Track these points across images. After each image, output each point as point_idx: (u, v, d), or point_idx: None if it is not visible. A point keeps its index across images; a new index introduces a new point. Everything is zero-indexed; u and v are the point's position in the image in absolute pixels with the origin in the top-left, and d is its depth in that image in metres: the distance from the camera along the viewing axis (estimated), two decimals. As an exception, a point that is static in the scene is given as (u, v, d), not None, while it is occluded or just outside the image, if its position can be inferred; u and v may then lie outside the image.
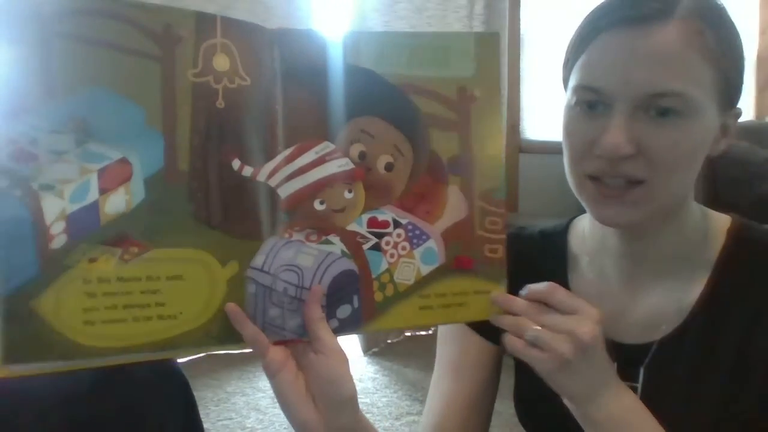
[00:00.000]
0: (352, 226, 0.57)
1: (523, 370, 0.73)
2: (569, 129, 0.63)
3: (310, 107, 0.55)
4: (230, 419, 1.98)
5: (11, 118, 0.46)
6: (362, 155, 0.57)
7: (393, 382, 2.33)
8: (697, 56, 0.58)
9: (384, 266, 0.58)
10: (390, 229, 0.58)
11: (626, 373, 0.65)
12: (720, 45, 0.59)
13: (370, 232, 0.58)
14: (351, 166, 0.56)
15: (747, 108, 2.87)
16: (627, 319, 0.68)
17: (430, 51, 0.57)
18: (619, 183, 0.60)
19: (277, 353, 0.57)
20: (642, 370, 0.66)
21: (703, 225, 0.68)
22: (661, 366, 0.65)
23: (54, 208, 0.47)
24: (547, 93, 2.89)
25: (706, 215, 0.69)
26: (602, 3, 0.62)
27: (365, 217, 0.57)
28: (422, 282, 0.59)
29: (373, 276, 0.58)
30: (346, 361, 0.58)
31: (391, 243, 0.58)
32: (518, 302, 0.59)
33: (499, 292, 0.60)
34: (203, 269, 0.53)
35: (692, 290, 0.66)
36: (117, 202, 0.50)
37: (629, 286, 0.69)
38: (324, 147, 0.56)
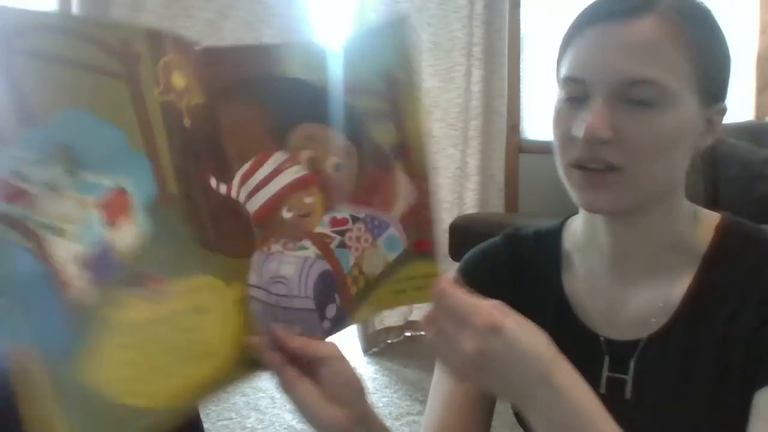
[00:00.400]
0: (318, 228, 0.58)
1: None
2: (556, 120, 0.65)
3: (255, 121, 0.55)
4: (230, 419, 1.98)
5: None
6: (311, 160, 0.57)
7: (393, 382, 2.33)
8: (672, 48, 0.61)
9: (352, 261, 0.59)
10: (350, 225, 0.59)
11: (617, 366, 0.67)
12: (699, 40, 0.62)
13: (333, 231, 0.58)
14: (304, 172, 0.57)
15: (747, 108, 2.87)
16: (618, 315, 0.69)
17: (351, 51, 0.57)
18: (598, 167, 0.62)
19: (291, 368, 0.57)
20: (632, 364, 0.67)
21: (693, 222, 0.69)
22: (650, 360, 0.67)
23: (64, 252, 0.41)
24: (547, 93, 2.89)
25: (696, 212, 0.70)
26: (591, 2, 0.65)
27: (326, 218, 0.58)
28: (391, 268, 0.59)
29: (345, 272, 0.59)
30: (344, 356, 0.60)
31: (354, 237, 0.59)
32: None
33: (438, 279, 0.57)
34: (216, 295, 0.52)
35: (680, 286, 0.67)
36: (127, 237, 0.45)
37: (620, 283, 0.70)
38: (279, 157, 0.56)
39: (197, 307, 0.49)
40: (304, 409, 0.58)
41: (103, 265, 0.43)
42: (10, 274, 0.39)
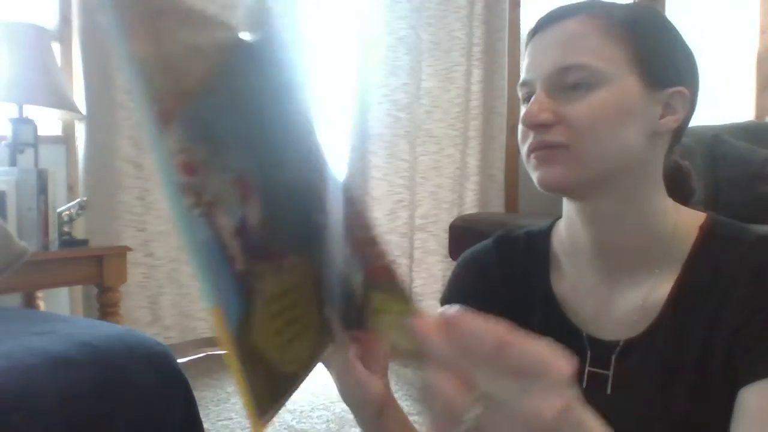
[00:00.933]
0: None
1: None
2: (520, 120, 0.69)
3: None
4: (230, 419, 1.98)
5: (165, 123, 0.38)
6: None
7: (393, 382, 2.32)
8: (599, 35, 0.65)
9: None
10: None
11: (599, 362, 0.69)
12: (629, 27, 0.66)
13: None
14: None
15: (747, 108, 2.88)
16: (605, 315, 0.70)
17: None
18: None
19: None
20: (613, 359, 0.69)
21: (674, 221, 0.69)
22: (632, 358, 0.68)
23: (225, 224, 0.42)
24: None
25: (679, 212, 0.70)
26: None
27: None
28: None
29: None
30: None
31: None
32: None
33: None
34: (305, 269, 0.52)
35: (664, 285, 0.68)
36: (254, 213, 0.46)
37: (605, 283, 0.71)
38: None
39: (298, 284, 0.51)
40: (353, 384, 0.59)
41: (245, 239, 0.44)
42: (195, 243, 0.40)
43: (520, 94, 0.71)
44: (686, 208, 0.71)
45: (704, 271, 0.66)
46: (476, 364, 0.35)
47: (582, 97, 0.64)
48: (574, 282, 0.73)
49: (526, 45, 0.71)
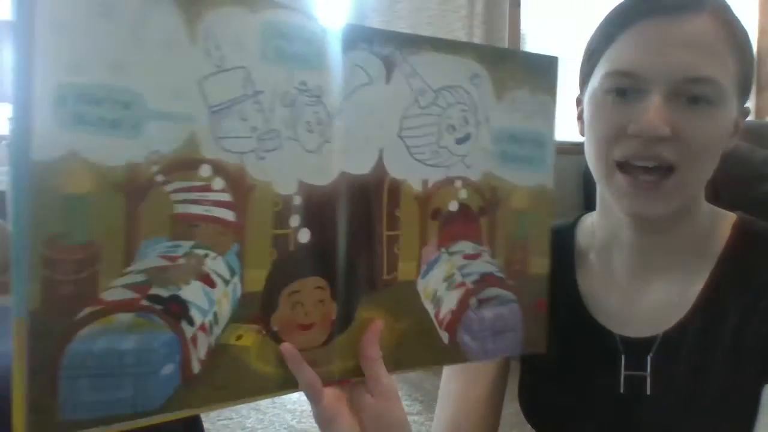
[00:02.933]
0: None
1: (528, 370, 0.76)
2: (599, 116, 0.64)
3: None
4: (230, 419, 1.97)
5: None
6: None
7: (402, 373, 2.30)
8: (726, 47, 0.61)
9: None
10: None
11: (634, 363, 0.68)
12: (740, 39, 0.63)
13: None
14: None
15: (746, 110, 2.88)
16: (633, 312, 0.70)
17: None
18: (649, 172, 0.61)
19: (330, 397, 0.57)
20: (649, 360, 0.68)
21: (711, 220, 0.69)
22: (668, 356, 0.67)
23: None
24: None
25: (713, 211, 0.70)
26: None
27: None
28: None
29: None
30: (400, 400, 0.59)
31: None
32: None
33: None
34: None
35: (696, 283, 0.67)
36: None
37: (636, 279, 0.71)
38: None
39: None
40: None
41: None
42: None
43: (606, 83, 0.63)
44: (716, 207, 0.71)
45: (738, 268, 0.66)
46: None
47: (703, 114, 0.60)
48: (604, 279, 0.73)
49: (622, 20, 0.63)
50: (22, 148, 0.42)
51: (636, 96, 0.61)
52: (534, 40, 2.95)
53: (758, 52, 2.93)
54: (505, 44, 2.93)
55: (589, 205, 0.77)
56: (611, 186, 0.64)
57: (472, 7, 2.87)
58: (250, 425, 1.95)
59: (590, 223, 0.76)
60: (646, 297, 0.70)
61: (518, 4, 2.98)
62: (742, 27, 0.64)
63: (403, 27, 2.75)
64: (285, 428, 1.91)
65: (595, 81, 0.65)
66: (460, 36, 2.85)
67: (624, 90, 0.62)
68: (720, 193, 0.72)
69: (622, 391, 0.68)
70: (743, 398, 0.62)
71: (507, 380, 0.79)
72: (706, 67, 0.59)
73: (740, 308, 0.64)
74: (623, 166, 0.63)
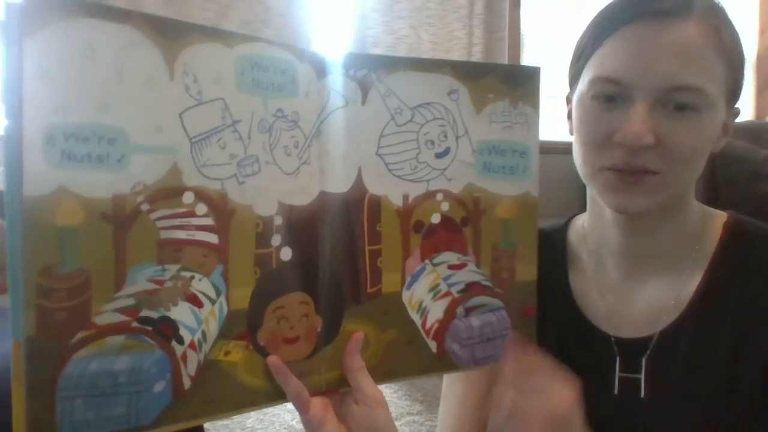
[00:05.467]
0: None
1: None
2: (585, 121, 0.64)
3: None
4: (230, 419, 2.00)
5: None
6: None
7: (393, 382, 2.32)
8: (713, 53, 0.60)
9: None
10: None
11: (629, 366, 0.67)
12: (731, 43, 0.62)
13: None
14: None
15: (747, 108, 2.87)
16: (627, 313, 0.70)
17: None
18: (634, 171, 0.61)
19: (317, 406, 0.59)
20: (644, 362, 0.67)
21: (702, 221, 0.69)
22: (662, 357, 0.67)
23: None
24: (547, 93, 2.88)
25: (704, 211, 0.70)
26: None
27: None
28: None
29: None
30: (386, 407, 0.61)
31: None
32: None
33: None
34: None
35: (690, 284, 0.67)
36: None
37: (628, 281, 0.71)
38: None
39: None
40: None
41: None
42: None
43: (593, 89, 0.62)
44: (708, 207, 0.71)
45: (732, 268, 0.66)
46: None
47: (687, 122, 0.59)
48: (595, 279, 0.73)
49: (609, 25, 0.62)
50: (15, 185, 0.45)
51: (622, 103, 0.61)
52: (534, 40, 2.95)
53: (758, 52, 2.92)
54: (505, 44, 2.94)
55: (585, 205, 0.77)
56: (597, 182, 0.64)
57: (472, 7, 2.88)
58: (250, 425, 1.98)
59: (581, 224, 0.77)
60: (639, 298, 0.70)
61: (518, 4, 2.97)
62: (732, 30, 0.63)
63: (403, 27, 2.77)
64: (285, 428, 1.94)
65: (582, 85, 0.65)
66: (460, 36, 2.87)
67: (610, 96, 0.61)
68: (720, 193, 0.72)
69: (616, 393, 0.68)
70: (740, 400, 0.62)
71: None
72: (692, 75, 0.59)
73: (736, 309, 0.64)
74: (609, 169, 0.63)
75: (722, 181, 1.96)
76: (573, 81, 0.68)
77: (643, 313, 0.69)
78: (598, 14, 0.65)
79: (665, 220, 0.67)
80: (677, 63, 0.58)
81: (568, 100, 0.71)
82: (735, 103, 0.65)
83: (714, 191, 1.93)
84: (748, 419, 0.62)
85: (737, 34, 0.64)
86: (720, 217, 0.70)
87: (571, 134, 0.70)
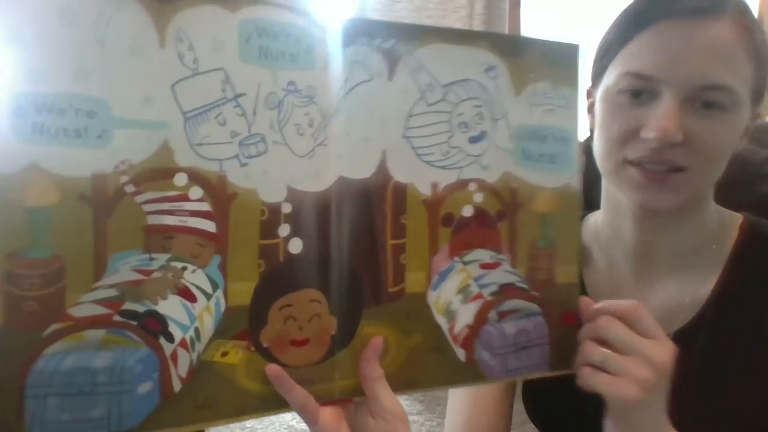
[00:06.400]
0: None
1: None
2: (611, 115, 0.63)
3: None
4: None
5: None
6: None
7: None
8: (744, 53, 0.60)
9: None
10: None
11: None
12: (760, 44, 0.62)
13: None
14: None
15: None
16: None
17: None
18: (660, 168, 0.62)
19: (328, 417, 0.54)
20: None
21: (718, 221, 0.70)
22: (677, 357, 0.63)
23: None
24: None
25: (720, 212, 0.71)
26: None
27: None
28: None
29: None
30: (406, 422, 0.55)
31: None
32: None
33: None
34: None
35: (706, 284, 0.68)
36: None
37: (642, 279, 0.71)
38: None
39: None
40: None
41: None
42: None
43: (621, 83, 0.62)
44: (723, 208, 0.71)
45: (749, 267, 0.67)
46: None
47: (715, 120, 0.60)
48: (609, 276, 0.73)
49: (640, 19, 0.62)
50: (-19, 161, 0.41)
51: (649, 98, 0.61)
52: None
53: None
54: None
55: (588, 206, 0.76)
56: (621, 179, 0.64)
57: (472, 7, 2.78)
58: (250, 425, 1.97)
59: (594, 221, 0.76)
60: (654, 296, 0.69)
61: (518, 4, 2.90)
62: (761, 31, 0.63)
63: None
64: (285, 428, 1.92)
65: (609, 79, 0.65)
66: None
67: (638, 91, 0.62)
68: (720, 192, 0.71)
69: None
70: (759, 400, 0.62)
71: (516, 384, 0.78)
72: (723, 74, 0.59)
73: (754, 309, 0.65)
74: (633, 164, 0.63)
75: (722, 181, 1.89)
76: (597, 76, 0.68)
77: (658, 312, 0.64)
78: (627, 9, 0.65)
79: (685, 219, 0.67)
80: (709, 61, 0.59)
81: (589, 94, 0.71)
82: (760, 104, 0.66)
83: (714, 191, 1.87)
84: (766, 419, 0.62)
85: (765, 35, 0.64)
86: (736, 218, 0.70)
87: (592, 129, 0.70)
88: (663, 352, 0.54)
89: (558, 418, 0.75)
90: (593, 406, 0.56)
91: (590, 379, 0.55)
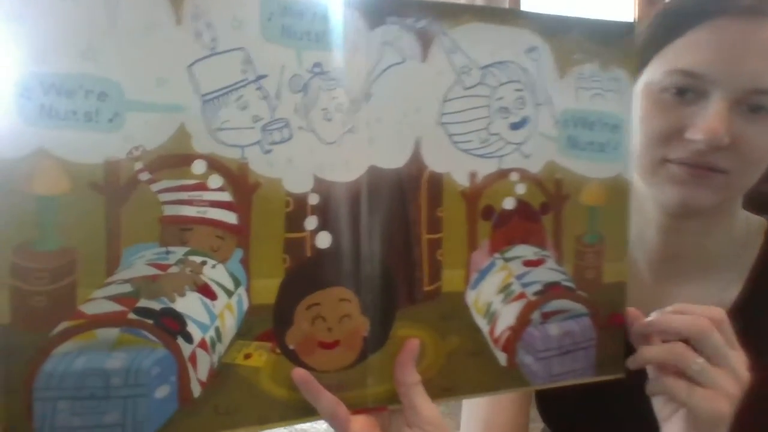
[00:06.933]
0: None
1: None
2: (654, 112, 0.61)
3: None
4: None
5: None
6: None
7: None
8: None
9: None
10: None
11: None
12: None
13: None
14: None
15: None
16: None
17: None
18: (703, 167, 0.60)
19: (360, 426, 0.50)
20: None
21: (745, 227, 0.69)
22: None
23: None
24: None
25: (747, 218, 0.70)
26: None
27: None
28: None
29: None
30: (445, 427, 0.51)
31: None
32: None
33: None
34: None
35: (731, 289, 0.67)
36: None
37: (662, 283, 0.69)
38: None
39: None
40: None
41: None
42: None
43: (667, 80, 0.60)
44: (750, 213, 0.70)
45: None
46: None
47: (761, 124, 0.59)
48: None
49: (694, 14, 0.59)
50: (-14, 146, 0.38)
51: (696, 97, 0.59)
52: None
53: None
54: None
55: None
56: (658, 176, 0.62)
57: (472, 4, 2.74)
58: None
59: None
60: (675, 300, 0.63)
61: (518, 4, 2.84)
62: None
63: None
64: (285, 428, 1.88)
65: (653, 74, 0.62)
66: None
67: (684, 89, 0.59)
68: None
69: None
70: None
71: None
72: None
73: None
74: (674, 162, 0.61)
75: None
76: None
77: None
78: (674, 3, 0.63)
79: (713, 224, 0.66)
80: (763, 64, 0.57)
81: None
82: None
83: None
84: None
85: None
86: (761, 223, 0.69)
87: None
88: (744, 365, 0.53)
89: (570, 417, 0.73)
90: (616, 411, 0.56)
91: (683, 392, 0.52)
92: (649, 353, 0.55)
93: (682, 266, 0.69)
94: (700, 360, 0.52)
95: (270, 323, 0.48)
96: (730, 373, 0.52)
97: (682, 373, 0.52)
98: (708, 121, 0.57)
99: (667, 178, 0.62)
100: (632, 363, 0.56)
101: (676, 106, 0.60)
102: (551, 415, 0.78)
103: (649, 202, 0.67)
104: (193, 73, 0.43)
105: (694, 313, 0.54)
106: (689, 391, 0.52)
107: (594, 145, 0.57)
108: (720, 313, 0.54)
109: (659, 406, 0.56)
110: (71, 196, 0.40)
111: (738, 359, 0.52)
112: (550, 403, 0.77)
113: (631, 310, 0.58)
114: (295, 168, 0.47)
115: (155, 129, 0.42)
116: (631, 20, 0.60)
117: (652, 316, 0.56)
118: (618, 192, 0.58)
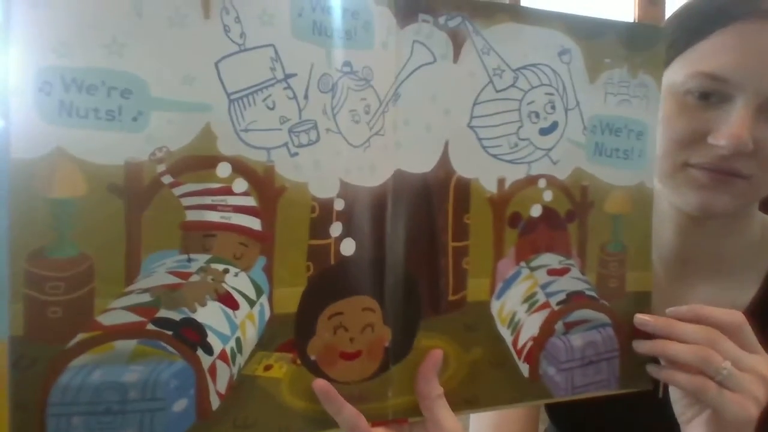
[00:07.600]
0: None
1: None
2: (676, 116, 0.60)
3: None
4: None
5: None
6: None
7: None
8: None
9: None
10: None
11: None
12: None
13: None
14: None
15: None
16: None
17: None
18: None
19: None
20: None
21: (761, 230, 0.68)
22: None
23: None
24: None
25: (765, 221, 0.69)
26: None
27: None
28: None
29: None
30: None
31: None
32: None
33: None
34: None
35: (746, 291, 0.66)
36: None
37: (676, 285, 0.69)
38: None
39: None
40: None
41: None
42: None
43: (691, 83, 0.59)
44: (763, 214, 0.69)
45: None
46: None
47: None
48: None
49: (718, 16, 0.58)
50: (1, 144, 0.36)
51: (719, 101, 0.58)
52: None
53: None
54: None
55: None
56: (679, 180, 0.61)
57: None
58: None
59: None
60: (689, 302, 0.62)
61: (518, 4, 2.81)
62: None
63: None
64: None
65: (675, 75, 0.60)
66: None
67: (707, 93, 0.58)
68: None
69: (660, 396, 0.59)
70: None
71: None
72: None
73: None
74: (695, 167, 0.60)
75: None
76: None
77: None
78: (700, 4, 0.62)
79: (730, 227, 0.66)
80: None
81: None
82: None
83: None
84: None
85: None
86: None
87: None
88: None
89: (577, 417, 0.73)
90: (627, 413, 0.55)
91: (713, 392, 0.50)
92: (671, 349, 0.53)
93: (698, 267, 0.68)
94: (728, 365, 0.51)
95: (291, 333, 0.46)
96: (756, 377, 0.51)
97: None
98: (732, 126, 0.56)
99: (687, 182, 0.61)
100: (655, 372, 0.55)
101: (700, 109, 0.59)
102: (559, 415, 0.77)
103: (665, 203, 0.66)
104: (220, 70, 0.41)
105: (712, 316, 0.53)
106: (719, 391, 0.51)
107: (619, 152, 0.56)
108: (740, 317, 0.53)
109: (681, 408, 0.55)
110: (89, 200, 0.38)
111: (761, 363, 0.52)
112: (559, 405, 0.76)
113: (640, 318, 0.56)
114: (322, 172, 0.45)
115: (180, 129, 0.40)
116: (660, 25, 0.58)
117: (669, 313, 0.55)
118: (641, 200, 0.57)
